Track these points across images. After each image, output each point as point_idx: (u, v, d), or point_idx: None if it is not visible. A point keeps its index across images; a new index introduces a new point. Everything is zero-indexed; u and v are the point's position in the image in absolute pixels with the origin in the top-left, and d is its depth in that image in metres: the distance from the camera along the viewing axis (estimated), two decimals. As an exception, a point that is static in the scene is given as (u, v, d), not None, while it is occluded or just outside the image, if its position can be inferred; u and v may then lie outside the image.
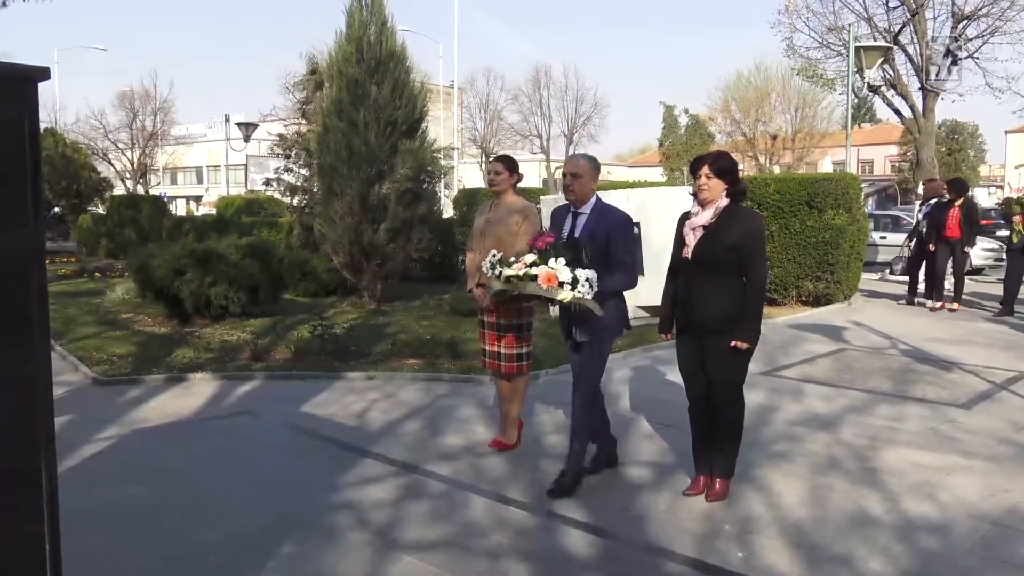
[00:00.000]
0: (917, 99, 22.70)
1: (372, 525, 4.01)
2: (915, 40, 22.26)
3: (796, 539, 3.81)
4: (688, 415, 4.44)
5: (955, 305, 11.36)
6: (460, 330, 9.13)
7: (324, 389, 6.81)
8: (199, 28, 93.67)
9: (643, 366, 7.79)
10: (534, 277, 4.04)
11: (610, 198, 11.00)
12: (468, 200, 14.69)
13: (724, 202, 4.13)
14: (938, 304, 11.16)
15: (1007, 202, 20.64)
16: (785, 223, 11.35)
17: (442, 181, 13.25)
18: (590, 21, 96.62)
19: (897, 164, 48.54)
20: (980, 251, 16.79)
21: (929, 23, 22.31)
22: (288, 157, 15.76)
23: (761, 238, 4.17)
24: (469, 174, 46.61)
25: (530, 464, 4.92)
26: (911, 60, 22.61)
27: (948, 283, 11.63)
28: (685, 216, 4.31)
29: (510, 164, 5.12)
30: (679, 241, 4.30)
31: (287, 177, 15.52)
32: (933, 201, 11.98)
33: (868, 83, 18.14)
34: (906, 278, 12.99)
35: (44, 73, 1.97)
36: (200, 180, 65.77)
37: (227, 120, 32.04)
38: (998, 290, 11.97)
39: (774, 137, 43.61)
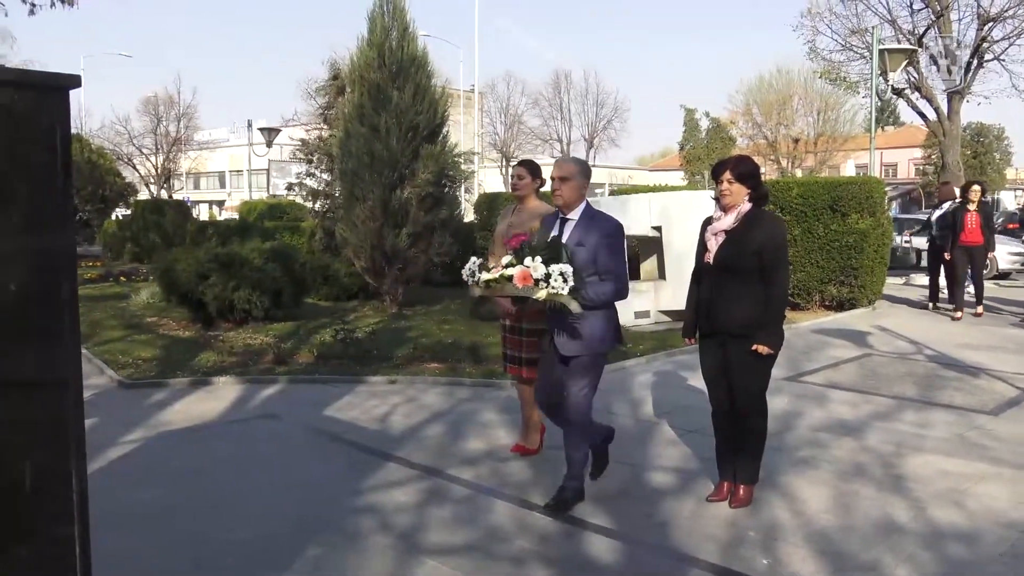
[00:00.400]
0: (942, 101, 22.46)
1: (395, 529, 4.02)
2: (939, 42, 22.04)
3: (822, 546, 3.78)
4: (711, 421, 4.41)
5: (978, 309, 11.19)
6: (481, 334, 9.13)
7: (346, 393, 6.83)
8: (222, 34, 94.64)
9: (666, 371, 7.75)
10: (510, 278, 3.80)
11: (631, 203, 11.05)
12: (489, 204, 14.70)
13: (747, 207, 4.11)
14: (958, 314, 10.97)
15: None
16: (808, 227, 11.27)
17: (463, 186, 13.27)
18: (610, 25, 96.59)
19: (921, 167, 48.05)
20: (1007, 255, 16.59)
21: (954, 25, 22.08)
22: (310, 162, 15.87)
23: (784, 242, 4.15)
24: (489, 178, 46.68)
25: (552, 469, 4.90)
26: (935, 62, 22.38)
27: (968, 289, 11.44)
28: (708, 221, 4.29)
29: (533, 169, 5.13)
30: (701, 246, 4.28)
31: (309, 182, 15.63)
32: (947, 204, 11.81)
33: (892, 86, 17.97)
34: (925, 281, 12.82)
35: (75, 81, 1.99)
36: (223, 185, 66.31)
37: (250, 125, 32.34)
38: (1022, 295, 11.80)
39: (796, 140, 43.33)
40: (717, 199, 4.21)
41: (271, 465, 5.08)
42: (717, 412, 4.36)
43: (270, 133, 25.93)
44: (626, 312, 10.32)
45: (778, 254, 4.07)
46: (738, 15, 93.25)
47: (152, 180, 46.03)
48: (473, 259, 4.02)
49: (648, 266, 11.39)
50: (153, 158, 46.51)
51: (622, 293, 4.13)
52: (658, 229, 10.68)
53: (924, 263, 17.89)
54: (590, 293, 3.93)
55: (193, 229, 22.42)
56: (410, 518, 4.15)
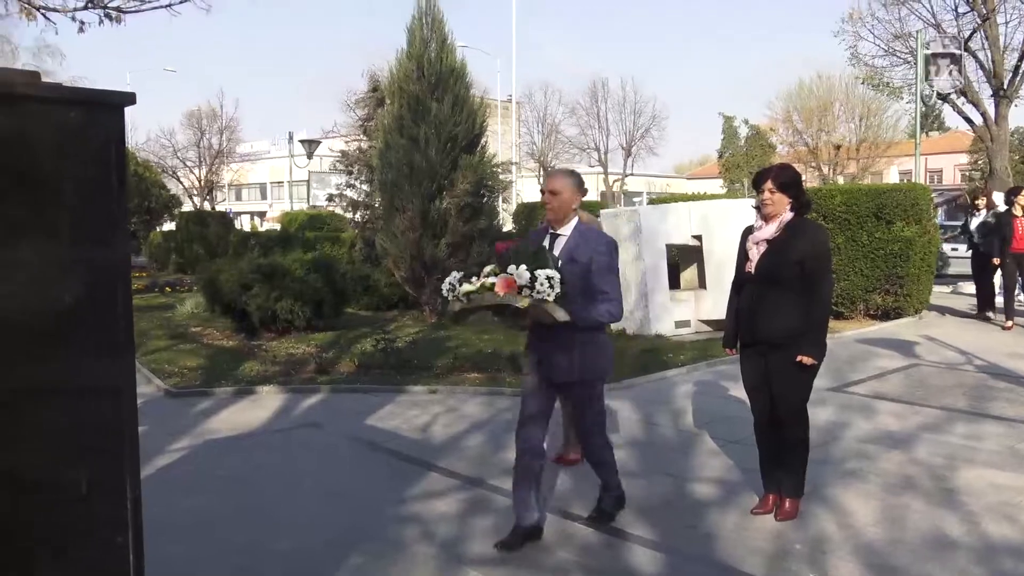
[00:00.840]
0: (989, 106, 22.01)
1: (437, 539, 4.03)
2: (986, 46, 21.60)
3: (870, 560, 3.71)
4: (754, 432, 4.36)
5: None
6: (521, 344, 9.08)
7: (388, 402, 6.88)
8: (264, 48, 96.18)
9: (707, 381, 7.68)
10: (492, 287, 3.61)
11: (671, 211, 10.99)
12: (527, 214, 14.76)
13: (789, 216, 4.07)
14: (1008, 323, 10.69)
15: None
16: (852, 235, 11.10)
17: (501, 195, 13.33)
18: (648, 33, 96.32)
19: (967, 173, 47.08)
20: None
21: (1000, 28, 21.64)
22: (350, 173, 16.06)
23: (827, 252, 4.10)
24: (527, 188, 46.75)
25: (594, 480, 4.85)
26: (982, 66, 21.94)
27: (1020, 298, 11.13)
28: (748, 230, 4.25)
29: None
30: (742, 256, 4.24)
31: (349, 193, 15.81)
32: (989, 212, 11.53)
33: (937, 91, 17.66)
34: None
35: (130, 99, 2.04)
36: (264, 196, 67.28)
37: (291, 138, 32.75)
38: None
39: (838, 147, 42.74)
40: (758, 208, 4.17)
41: (314, 474, 5.12)
42: (759, 423, 4.30)
43: (311, 145, 26.26)
44: (666, 322, 10.28)
45: (821, 263, 4.02)
46: (777, 21, 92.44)
47: (195, 192, 46.88)
48: (454, 273, 3.81)
49: (688, 275, 11.31)
50: (196, 170, 47.37)
51: (615, 314, 3.86)
52: (698, 238, 10.61)
53: (951, 270, 17.57)
54: (581, 312, 3.71)
55: (236, 240, 22.78)
56: (452, 528, 4.16)
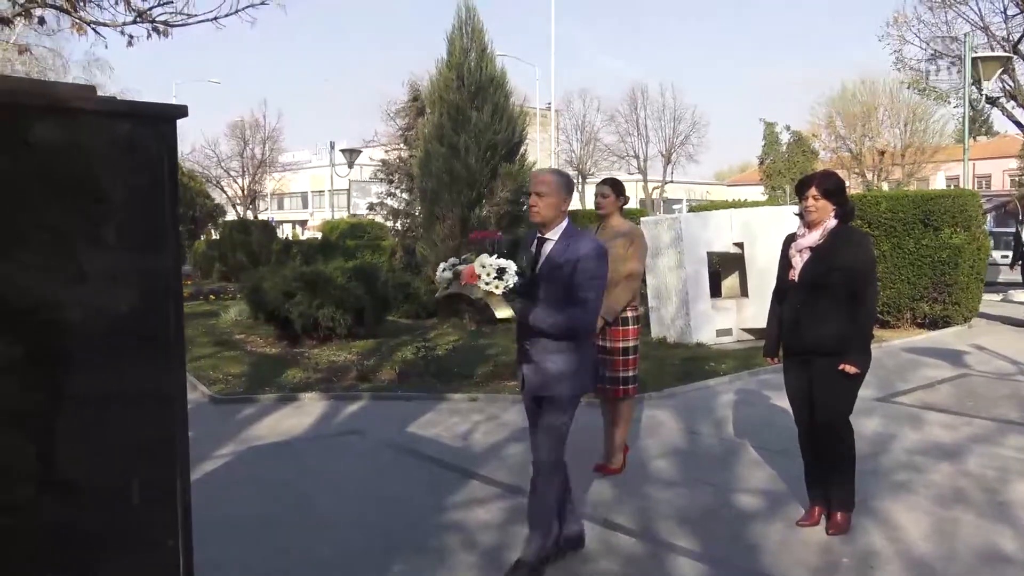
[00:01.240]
0: (1040, 110, 21.46)
1: (479, 547, 4.03)
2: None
3: (922, 574, 3.62)
4: (798, 442, 4.29)
5: None
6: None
7: (428, 410, 6.90)
8: (305, 59, 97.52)
9: (750, 390, 7.59)
10: (459, 275, 3.48)
11: (712, 218, 10.90)
12: (567, 222, 14.74)
13: (832, 223, 4.00)
14: None
15: None
16: (898, 242, 10.91)
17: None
18: (688, 39, 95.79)
19: (1017, 178, 45.96)
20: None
21: (1052, 29, 21.10)
22: (391, 182, 16.20)
23: (872, 259, 4.04)
24: (566, 196, 46.60)
25: (636, 490, 4.85)
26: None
27: None
28: (791, 238, 4.19)
29: (616, 187, 5.11)
30: (785, 263, 4.18)
31: (390, 201, 15.94)
32: None
33: (986, 95, 17.29)
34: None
35: (182, 112, 2.08)
36: (305, 205, 68.13)
37: (332, 147, 33.15)
38: None
39: (882, 153, 42.00)
40: (801, 215, 4.11)
41: (356, 480, 5.16)
42: (803, 433, 4.23)
43: (351, 154, 26.55)
44: (708, 330, 10.18)
45: (866, 271, 3.96)
46: (819, 26, 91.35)
47: (238, 201, 47.63)
48: (451, 260, 3.63)
49: (730, 283, 11.20)
50: (240, 180, 48.12)
51: (586, 323, 3.56)
52: (740, 245, 10.50)
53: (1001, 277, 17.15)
54: (543, 315, 3.49)
55: (278, 248, 23.09)
56: (494, 536, 4.16)
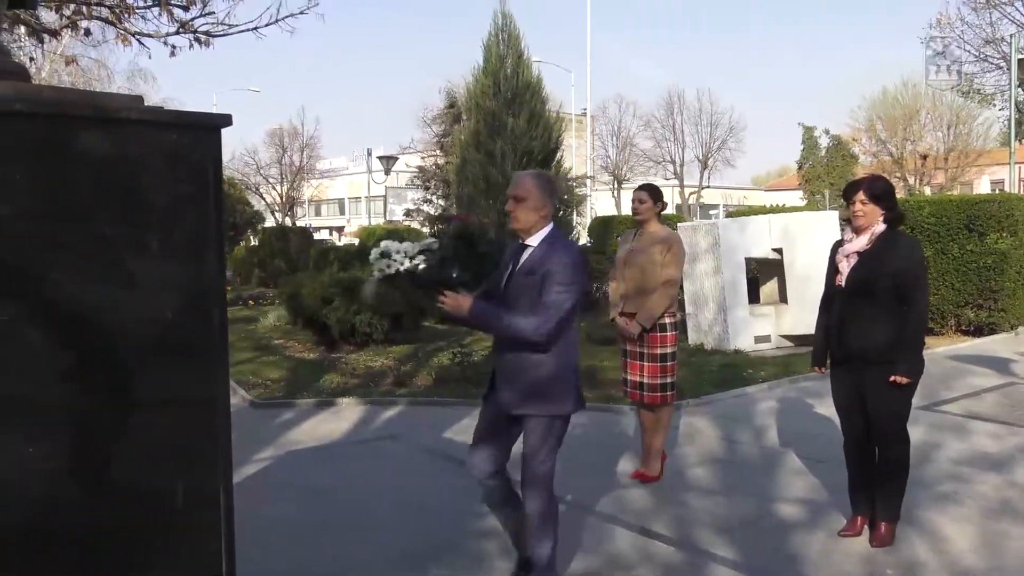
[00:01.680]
0: (1089, 112, 20.94)
1: (516, 554, 4.01)
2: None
3: (969, 589, 3.54)
4: (843, 452, 4.21)
5: None
6: (597, 358, 9.07)
7: (465, 415, 6.90)
8: (343, 67, 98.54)
9: (790, 398, 7.49)
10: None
11: (751, 224, 10.78)
12: (603, 228, 14.68)
13: (881, 228, 3.94)
14: None
15: None
16: (942, 247, 10.71)
17: (576, 209, 13.34)
18: (724, 43, 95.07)
19: (1065, 182, 44.84)
20: None
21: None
22: (427, 188, 16.31)
23: (922, 264, 3.95)
24: (601, 201, 46.58)
25: (674, 497, 4.81)
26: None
27: None
28: (838, 243, 4.13)
29: (654, 193, 5.09)
30: (832, 269, 4.12)
31: (426, 208, 16.04)
32: None
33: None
34: None
35: (226, 121, 2.12)
36: (342, 211, 68.76)
37: (369, 154, 33.44)
38: None
39: (924, 157, 41.27)
40: (849, 220, 4.05)
41: (395, 486, 5.18)
42: (850, 443, 4.16)
43: (388, 161, 26.72)
44: (746, 337, 10.07)
45: (916, 275, 3.88)
46: (858, 29, 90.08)
47: (277, 208, 48.23)
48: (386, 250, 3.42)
49: (768, 289, 11.08)
50: (278, 187, 48.74)
51: (542, 331, 3.19)
52: (779, 251, 10.38)
53: None
54: (489, 314, 3.27)
55: (315, 254, 23.30)
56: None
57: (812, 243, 10.07)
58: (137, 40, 7.91)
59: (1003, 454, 5.55)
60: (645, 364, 4.99)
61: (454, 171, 12.86)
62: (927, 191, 37.74)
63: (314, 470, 5.52)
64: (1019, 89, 15.38)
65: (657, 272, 4.89)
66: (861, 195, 3.92)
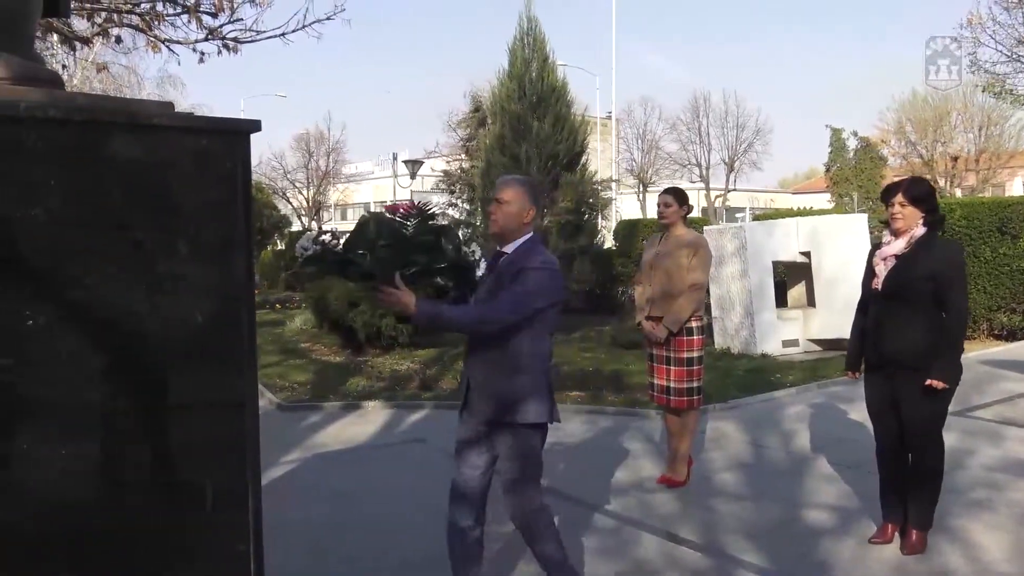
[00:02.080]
0: (1125, 112, 20.53)
1: (542, 558, 4.00)
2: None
3: (1003, 598, 3.48)
4: (875, 458, 4.15)
5: None
6: (623, 362, 9.05)
7: (490, 419, 6.92)
8: (368, 72, 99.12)
9: (819, 403, 7.41)
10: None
11: (778, 227, 10.70)
12: (628, 231, 14.63)
13: (920, 231, 3.86)
14: None
15: None
16: (974, 251, 10.55)
17: (601, 213, 13.32)
18: (751, 46, 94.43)
19: (1100, 184, 44.02)
20: None
21: None
22: (452, 192, 16.34)
23: (961, 267, 3.88)
24: (626, 205, 46.43)
25: (701, 502, 4.78)
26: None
27: None
28: (876, 246, 4.07)
29: (680, 196, 5.06)
30: (869, 273, 4.05)
31: (451, 212, 16.07)
32: None
33: (1066, 97, 16.61)
34: None
35: (255, 126, 2.13)
36: (368, 216, 69.06)
37: (394, 158, 33.60)
38: None
39: (955, 158, 40.71)
40: (887, 223, 3.99)
41: (420, 489, 5.19)
42: (883, 449, 4.09)
43: (414, 165, 26.83)
44: (773, 341, 9.99)
45: (955, 279, 3.80)
46: (887, 29, 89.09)
47: (304, 212, 48.57)
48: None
49: (796, 293, 10.98)
50: (305, 191, 49.09)
51: (486, 319, 3.08)
52: (806, 254, 10.29)
53: None
54: (446, 314, 3.13)
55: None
56: (556, 547, 4.13)
57: (840, 246, 9.98)
58: (167, 47, 8.03)
59: (1038, 461, 5.46)
60: (671, 368, 4.96)
61: (479, 175, 12.87)
62: (958, 193, 37.20)
63: (340, 473, 5.55)
64: (1053, 89, 15.11)
65: (683, 276, 4.87)
66: (900, 197, 3.85)
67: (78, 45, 8.89)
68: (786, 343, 10.11)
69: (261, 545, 2.19)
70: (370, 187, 65.03)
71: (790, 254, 10.38)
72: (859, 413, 6.42)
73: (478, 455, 3.26)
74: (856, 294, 4.22)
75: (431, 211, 2.64)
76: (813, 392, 7.86)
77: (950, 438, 5.89)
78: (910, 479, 3.98)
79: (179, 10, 7.76)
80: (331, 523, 4.54)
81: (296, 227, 39.10)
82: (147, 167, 1.94)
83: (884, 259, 3.94)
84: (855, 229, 10.28)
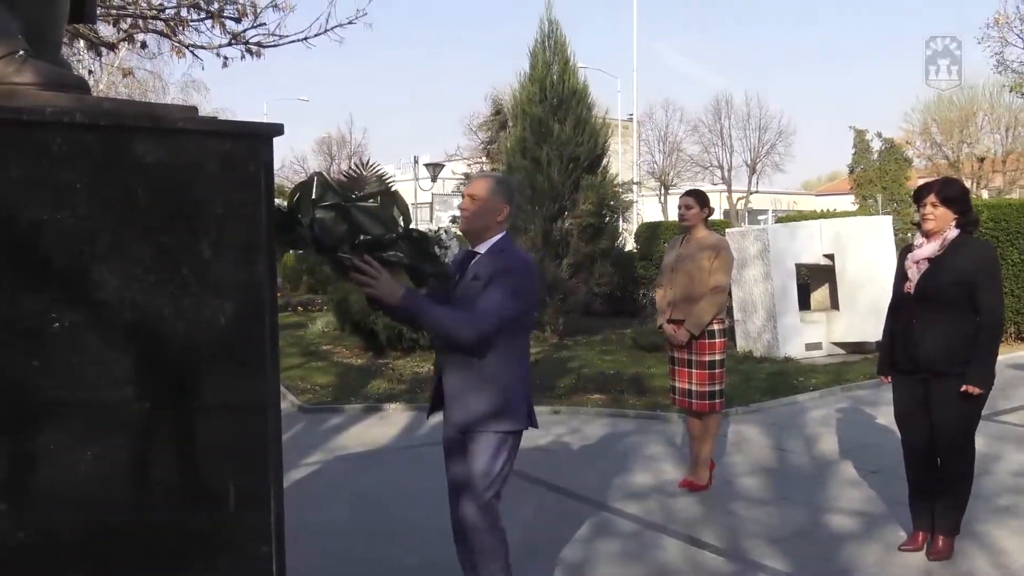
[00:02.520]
0: None
1: (564, 562, 4.00)
2: None
3: (1031, 605, 3.43)
4: (904, 463, 4.09)
5: None
6: (644, 365, 9.02)
7: (511, 422, 6.91)
8: (389, 75, 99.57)
9: (843, 407, 7.34)
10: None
11: (801, 229, 10.62)
12: (649, 234, 14.58)
13: (953, 233, 3.80)
14: None
15: None
16: (1001, 253, 10.39)
17: (622, 215, 13.27)
18: (773, 47, 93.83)
19: None
20: None
21: None
22: (473, 195, 16.36)
23: (996, 270, 3.83)
24: (648, 207, 46.27)
25: (723, 507, 4.75)
26: None
27: None
28: (907, 249, 4.02)
29: (701, 199, 5.04)
30: (900, 276, 3.99)
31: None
32: None
33: (1096, 97, 16.37)
34: None
35: (279, 130, 2.15)
36: (389, 219, 69.27)
37: (415, 161, 33.70)
38: None
39: (981, 160, 40.22)
40: (918, 224, 3.94)
41: (440, 491, 5.15)
42: (912, 455, 4.03)
43: (435, 168, 26.89)
44: (796, 344, 9.91)
45: (989, 282, 3.75)
46: (911, 30, 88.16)
47: (325, 215, 48.81)
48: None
49: (819, 296, 10.89)
50: (327, 195, 49.32)
51: (469, 333, 2.89)
52: (830, 257, 10.20)
53: None
54: (431, 314, 2.91)
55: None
56: (577, 551, 4.13)
57: (864, 249, 9.89)
58: (191, 52, 8.10)
59: (1067, 466, 5.37)
60: (693, 371, 4.94)
61: (500, 178, 12.92)
62: (984, 195, 36.74)
63: (361, 475, 5.57)
64: (1082, 89, 14.89)
65: (705, 278, 4.84)
66: (932, 197, 3.80)
67: (104, 51, 9.00)
68: (809, 346, 10.03)
69: (283, 547, 2.20)
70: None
71: (813, 256, 10.30)
72: (884, 417, 6.36)
73: (461, 463, 3.20)
74: (881, 297, 4.17)
75: (380, 172, 2.37)
76: (837, 396, 7.79)
77: (977, 443, 5.83)
78: (938, 484, 3.93)
79: (203, 15, 7.83)
80: (352, 525, 4.56)
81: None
82: (171, 171, 1.96)
83: (916, 262, 3.87)
84: (879, 231, 10.18)
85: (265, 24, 8.09)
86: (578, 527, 4.46)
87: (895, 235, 10.47)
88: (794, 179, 70.32)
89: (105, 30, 8.55)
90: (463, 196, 3.14)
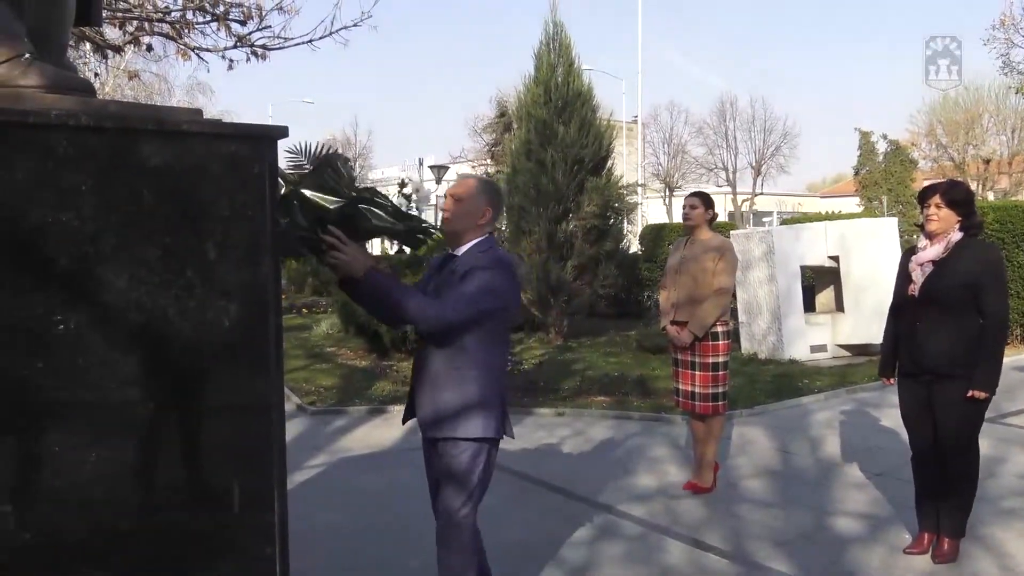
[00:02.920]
0: None
1: (567, 564, 4.00)
2: None
3: (1037, 609, 3.42)
4: (911, 466, 4.08)
5: None
6: (648, 367, 9.01)
7: (514, 424, 6.83)
8: (394, 77, 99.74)
9: (848, 410, 7.32)
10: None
11: (806, 231, 10.61)
12: (654, 236, 14.57)
13: (957, 235, 3.79)
14: None
15: None
16: (1007, 255, 10.38)
17: (626, 217, 13.28)
18: (778, 49, 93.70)
19: None
20: None
21: None
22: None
23: (1002, 272, 3.81)
24: (652, 209, 46.23)
25: (727, 509, 4.74)
26: None
27: None
28: (910, 251, 4.01)
29: (705, 200, 5.04)
30: (903, 278, 3.99)
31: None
32: None
33: (1102, 99, 16.32)
34: None
35: (283, 132, 2.15)
36: (394, 220, 69.23)
37: (420, 163, 33.76)
38: None
39: (987, 161, 40.13)
40: (922, 226, 3.93)
41: (444, 493, 5.20)
42: (918, 457, 4.02)
43: (440, 170, 26.92)
44: (801, 346, 9.89)
45: (994, 283, 3.73)
46: (916, 32, 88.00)
47: (331, 217, 48.87)
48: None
49: (824, 298, 10.87)
50: (332, 197, 49.37)
51: (429, 316, 2.79)
52: (835, 259, 10.18)
53: None
54: (395, 294, 2.75)
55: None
56: (581, 553, 4.13)
57: (870, 250, 9.88)
58: (196, 55, 8.12)
59: (1073, 469, 5.35)
60: (697, 373, 4.93)
61: (505, 180, 12.89)
62: (990, 197, 36.64)
63: (365, 477, 5.57)
64: (1088, 91, 14.85)
65: (709, 280, 4.84)
66: (937, 199, 3.79)
67: (110, 53, 9.03)
68: (814, 348, 10.01)
69: (287, 548, 2.21)
70: (396, 192, 65.30)
71: (818, 258, 10.28)
72: (889, 420, 6.35)
73: (436, 473, 3.13)
74: (886, 299, 4.16)
75: (331, 149, 2.26)
76: (842, 398, 7.77)
77: (982, 446, 5.80)
78: (943, 487, 3.92)
79: (208, 18, 7.86)
80: (356, 527, 4.57)
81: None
82: (176, 173, 1.96)
83: (920, 264, 3.86)
84: (885, 233, 10.17)
85: (270, 27, 8.11)
86: (582, 529, 4.46)
87: (900, 237, 10.45)
88: (799, 181, 70.12)
89: (111, 33, 8.59)
90: (446, 197, 3.06)
